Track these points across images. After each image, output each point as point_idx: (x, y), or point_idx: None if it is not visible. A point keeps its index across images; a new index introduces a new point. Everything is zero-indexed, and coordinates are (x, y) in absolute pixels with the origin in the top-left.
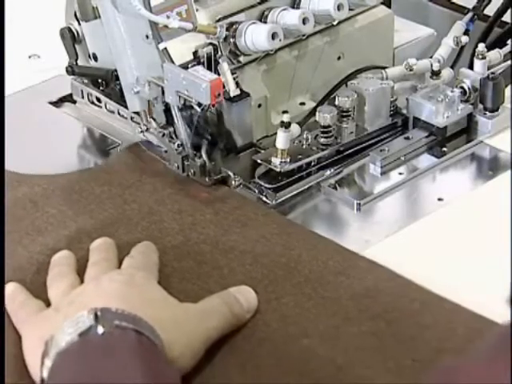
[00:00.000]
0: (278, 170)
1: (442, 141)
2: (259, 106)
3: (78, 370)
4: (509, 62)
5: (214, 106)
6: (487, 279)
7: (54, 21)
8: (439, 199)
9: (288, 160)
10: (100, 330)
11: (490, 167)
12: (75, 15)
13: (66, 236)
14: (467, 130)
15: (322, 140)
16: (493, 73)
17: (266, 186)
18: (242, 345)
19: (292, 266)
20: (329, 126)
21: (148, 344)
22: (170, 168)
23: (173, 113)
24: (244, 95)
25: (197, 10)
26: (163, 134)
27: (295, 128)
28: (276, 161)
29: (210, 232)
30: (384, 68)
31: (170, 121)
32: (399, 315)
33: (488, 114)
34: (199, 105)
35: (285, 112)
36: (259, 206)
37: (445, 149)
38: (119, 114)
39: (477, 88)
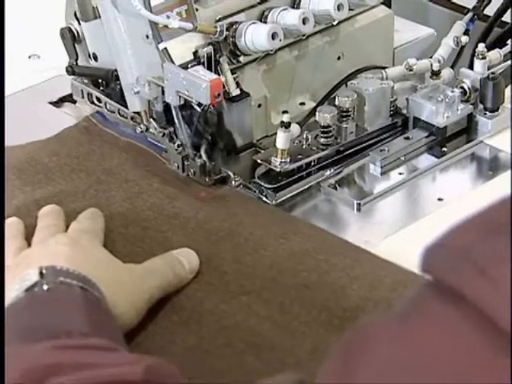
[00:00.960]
0: (277, 169)
1: (441, 141)
2: (259, 106)
3: (26, 320)
4: (509, 62)
5: (214, 106)
6: None
7: (54, 21)
8: (439, 199)
9: (288, 160)
10: (45, 286)
11: (490, 167)
12: (75, 15)
13: (14, 205)
14: (467, 130)
15: (322, 140)
16: (493, 73)
17: (266, 186)
18: (184, 303)
19: (233, 228)
20: (329, 126)
21: (93, 299)
22: (119, 137)
23: (173, 113)
24: (244, 95)
25: (197, 10)
26: (163, 134)
27: (295, 128)
28: (276, 161)
29: (156, 200)
30: (384, 68)
31: (170, 121)
32: (332, 268)
33: (488, 113)
34: (199, 105)
35: (285, 112)
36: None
37: (445, 149)
38: (119, 113)
39: (477, 88)
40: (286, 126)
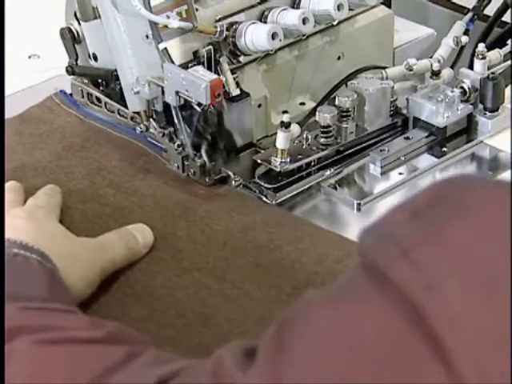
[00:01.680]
0: (277, 169)
1: (442, 141)
2: (259, 106)
3: None
4: (509, 62)
5: (213, 106)
6: None
7: (54, 21)
8: None
9: (288, 160)
10: None
11: (490, 167)
12: (75, 15)
13: None
14: (467, 130)
15: (322, 140)
16: (493, 73)
17: (266, 186)
18: (138, 277)
19: (188, 206)
20: (329, 126)
21: (48, 270)
22: (81, 117)
23: (173, 113)
24: (244, 95)
25: (197, 10)
26: (163, 134)
27: (295, 128)
28: (276, 161)
29: (115, 177)
30: (384, 68)
31: (170, 121)
32: (281, 242)
33: (488, 113)
34: (199, 105)
35: (285, 112)
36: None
37: (445, 149)
38: (119, 113)
39: (477, 88)
40: (286, 126)
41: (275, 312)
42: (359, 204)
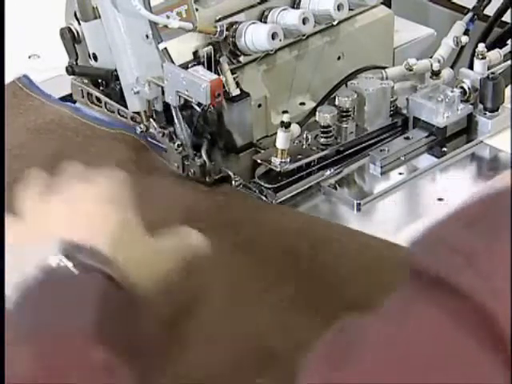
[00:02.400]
0: (277, 169)
1: (441, 141)
2: (259, 105)
3: None
4: (509, 62)
5: (213, 106)
6: None
7: (54, 21)
8: (439, 199)
9: (288, 160)
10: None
11: (489, 167)
12: (75, 15)
13: None
14: (467, 129)
15: (322, 140)
16: (493, 73)
17: (266, 185)
18: None
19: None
20: (329, 126)
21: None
22: (44, 101)
23: (173, 113)
24: (244, 95)
25: (197, 10)
26: (163, 134)
27: (295, 128)
28: (276, 161)
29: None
30: (384, 68)
31: (170, 121)
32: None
33: (488, 113)
34: (199, 105)
35: (285, 112)
36: None
37: (445, 149)
38: (119, 113)
39: (477, 88)
40: (286, 126)
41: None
42: (359, 204)
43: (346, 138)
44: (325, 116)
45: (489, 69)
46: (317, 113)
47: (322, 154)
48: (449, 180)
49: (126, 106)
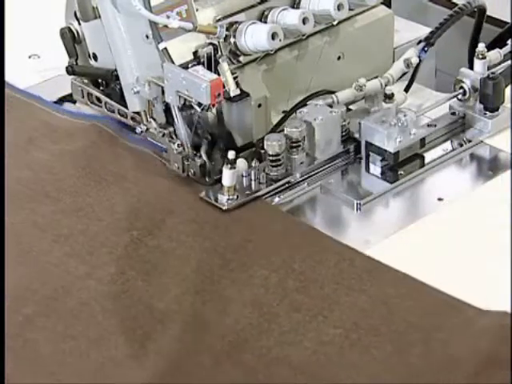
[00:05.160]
0: (224, 208)
1: (394, 166)
2: (259, 105)
3: None
4: (509, 62)
5: (213, 106)
6: (487, 278)
7: (54, 21)
8: (439, 199)
9: (235, 197)
10: None
11: (489, 167)
12: (75, 15)
13: None
14: (467, 129)
15: (272, 174)
16: (493, 73)
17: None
18: None
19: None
20: (278, 155)
21: None
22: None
23: (173, 113)
24: (244, 95)
25: (197, 10)
26: (163, 134)
27: (241, 163)
28: (223, 198)
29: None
30: (333, 93)
31: (170, 121)
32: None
33: (488, 113)
34: (199, 105)
35: (284, 112)
36: None
37: (401, 172)
38: (119, 113)
39: (477, 88)
40: (231, 162)
41: None
42: (359, 204)
43: (295, 168)
44: (273, 144)
45: (489, 69)
46: (264, 141)
47: (270, 188)
48: (449, 180)
49: (125, 106)
